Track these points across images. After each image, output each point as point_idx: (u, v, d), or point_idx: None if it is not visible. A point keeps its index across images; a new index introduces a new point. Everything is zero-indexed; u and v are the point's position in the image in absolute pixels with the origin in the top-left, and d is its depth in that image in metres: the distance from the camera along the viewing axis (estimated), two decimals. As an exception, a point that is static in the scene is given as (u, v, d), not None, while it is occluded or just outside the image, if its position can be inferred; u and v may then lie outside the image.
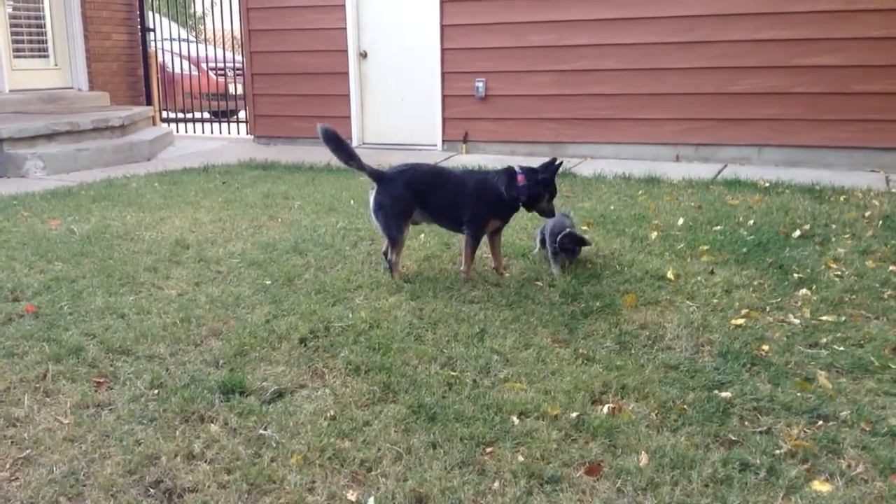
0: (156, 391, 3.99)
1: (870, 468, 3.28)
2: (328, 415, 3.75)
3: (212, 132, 15.99)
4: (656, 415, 3.76)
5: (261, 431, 3.61)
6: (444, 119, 12.03)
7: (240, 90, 16.70)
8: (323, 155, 11.54)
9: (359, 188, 9.06)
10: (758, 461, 3.33)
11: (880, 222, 6.70)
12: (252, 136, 13.94)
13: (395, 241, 5.50)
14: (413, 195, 5.42)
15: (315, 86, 12.80)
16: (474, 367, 4.26)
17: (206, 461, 3.37)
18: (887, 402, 3.82)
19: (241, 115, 16.59)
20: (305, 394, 4.00)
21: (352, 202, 8.28)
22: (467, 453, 3.43)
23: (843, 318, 4.77)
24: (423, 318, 4.91)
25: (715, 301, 5.11)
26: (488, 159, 10.58)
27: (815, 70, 9.79)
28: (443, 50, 11.80)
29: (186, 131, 16.24)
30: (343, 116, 12.66)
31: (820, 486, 3.17)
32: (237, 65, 17.21)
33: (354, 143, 12.64)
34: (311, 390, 4.04)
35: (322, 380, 4.16)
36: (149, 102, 15.53)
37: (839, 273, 5.55)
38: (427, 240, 6.65)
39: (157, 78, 15.99)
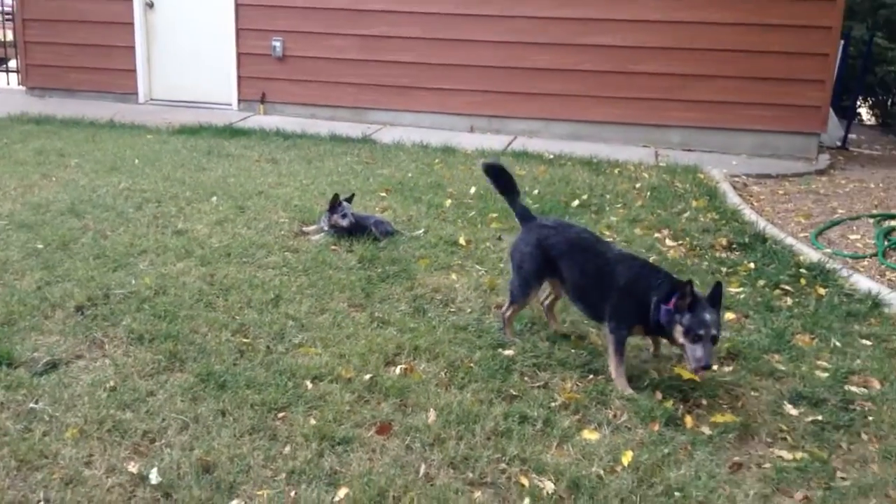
0: None
1: (633, 417, 3.63)
2: (108, 386, 3.56)
3: (-26, 80, 14.32)
4: (445, 373, 3.92)
5: (31, 405, 3.36)
6: (239, 78, 11.57)
7: (10, 37, 15.07)
8: (106, 110, 10.77)
9: (145, 147, 8.55)
10: (535, 413, 3.57)
11: (649, 193, 7.33)
12: (24, 88, 12.67)
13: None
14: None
15: (96, 35, 11.82)
16: (268, 334, 4.21)
17: (-34, 440, 3.10)
18: (648, 356, 4.22)
19: (12, 64, 15.00)
20: (83, 364, 3.77)
21: (136, 161, 7.79)
22: (258, 419, 3.40)
23: (614, 282, 5.19)
24: (214, 285, 4.76)
25: (502, 265, 5.37)
26: (287, 122, 10.37)
27: (597, 49, 10.42)
28: (237, 5, 11.32)
29: (-57, 77, 14.44)
30: (128, 70, 11.82)
31: (589, 435, 3.46)
32: (6, 8, 15.51)
33: (141, 100, 11.88)
34: (89, 361, 3.81)
35: (101, 349, 3.93)
36: None
37: (611, 239, 6.01)
38: (220, 203, 6.42)
39: None
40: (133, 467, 3.01)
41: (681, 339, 3.67)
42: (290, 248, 5.50)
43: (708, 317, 3.60)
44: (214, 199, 6.51)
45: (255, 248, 5.39)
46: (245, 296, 4.62)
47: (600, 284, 3.99)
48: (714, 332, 3.61)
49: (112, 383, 3.58)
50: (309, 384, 3.74)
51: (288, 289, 4.77)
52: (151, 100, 12.04)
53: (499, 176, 4.50)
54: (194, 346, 3.98)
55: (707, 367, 3.63)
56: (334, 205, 5.77)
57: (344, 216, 5.73)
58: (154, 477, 2.96)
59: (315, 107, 11.35)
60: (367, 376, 3.82)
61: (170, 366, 3.80)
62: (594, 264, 4.03)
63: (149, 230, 5.65)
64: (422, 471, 3.16)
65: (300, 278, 4.95)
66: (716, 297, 3.73)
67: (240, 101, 11.69)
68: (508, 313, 4.38)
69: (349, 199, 5.91)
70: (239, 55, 11.50)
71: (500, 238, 5.93)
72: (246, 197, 6.62)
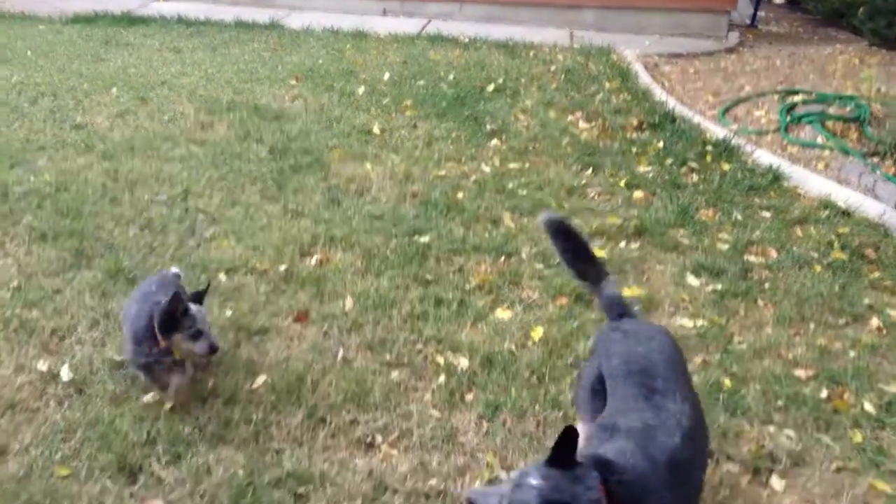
0: None
1: (543, 294, 3.74)
2: (11, 286, 3.47)
3: None
4: (362, 262, 3.94)
5: (-70, 310, 3.25)
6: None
7: None
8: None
9: (37, 37, 8.01)
10: (450, 296, 3.65)
11: (563, 76, 7.32)
12: None
13: None
14: None
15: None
16: (178, 228, 4.12)
17: None
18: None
19: None
20: (-17, 265, 3.66)
21: (29, 53, 7.32)
22: (171, 313, 3.37)
23: (528, 165, 5.24)
24: (119, 180, 4.60)
25: (417, 153, 5.34)
26: (189, 8, 9.82)
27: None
28: None
29: None
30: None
31: (502, 313, 3.57)
32: None
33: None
34: (-10, 261, 3.70)
35: (2, 249, 3.80)
36: None
37: (526, 124, 6.03)
38: (120, 94, 6.13)
39: None
40: (43, 365, 2.98)
41: None
42: (196, 140, 5.33)
43: None
44: (114, 90, 6.21)
45: (160, 141, 5.20)
46: (151, 190, 4.49)
47: None
48: None
49: (16, 283, 3.49)
50: (223, 277, 3.71)
51: (197, 182, 4.65)
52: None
53: (567, 239, 2.75)
54: (101, 243, 3.88)
55: None
56: (173, 315, 2.76)
57: (198, 335, 2.79)
58: (65, 373, 2.93)
59: (219, -9, 10.75)
60: (283, 267, 3.81)
61: (76, 263, 3.71)
62: (634, 398, 2.30)
63: (46, 125, 5.38)
64: (340, 355, 3.22)
65: (209, 171, 4.82)
66: None
67: (137, -15, 10.97)
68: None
69: (199, 297, 2.92)
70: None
71: (415, 126, 5.86)
72: (148, 88, 6.34)
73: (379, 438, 2.80)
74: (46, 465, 2.56)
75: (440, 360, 3.20)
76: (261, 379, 3.03)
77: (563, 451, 1.91)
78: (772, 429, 2.92)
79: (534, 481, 1.89)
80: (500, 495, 1.92)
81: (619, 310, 2.68)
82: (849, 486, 2.66)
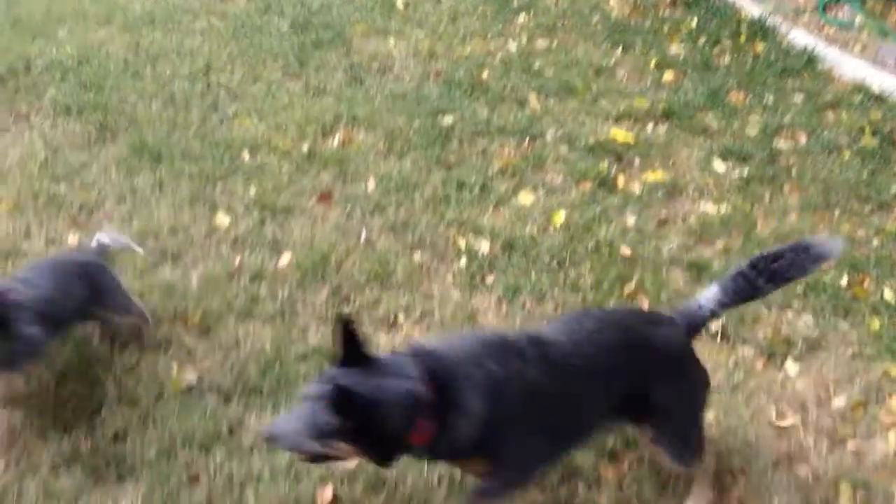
0: None
1: (567, 178, 3.71)
2: (39, 159, 3.49)
3: None
4: (384, 143, 3.91)
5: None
6: None
7: None
8: None
9: None
10: (473, 179, 3.63)
11: (594, -51, 6.98)
12: None
13: None
14: None
15: None
16: (200, 104, 4.09)
17: None
18: (586, 120, 4.22)
19: None
20: (9, 139, 3.67)
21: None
22: (197, 191, 3.40)
23: (555, 43, 5.07)
24: (140, 54, 4.53)
25: (441, 29, 5.18)
26: None
27: None
28: None
29: None
30: None
31: (524, 197, 3.56)
32: None
33: None
34: (16, 134, 3.71)
35: (27, 122, 3.81)
36: None
37: (555, 3, 5.79)
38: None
39: None
40: (73, 239, 3.04)
41: None
42: (217, 12, 5.19)
43: None
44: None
45: (180, 14, 5.07)
46: (173, 64, 4.43)
47: None
48: None
49: (43, 156, 3.51)
50: (246, 155, 3.71)
51: (218, 57, 4.57)
52: None
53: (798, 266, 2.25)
54: (125, 117, 3.87)
55: None
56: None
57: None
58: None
59: None
60: (305, 147, 3.80)
61: (101, 137, 3.72)
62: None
63: (64, -6, 5.26)
64: (363, 236, 3.25)
65: (230, 45, 4.73)
66: None
67: None
68: None
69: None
70: None
71: (439, 0, 5.66)
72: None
73: (401, 317, 2.87)
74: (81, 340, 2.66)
75: (461, 243, 3.23)
76: (286, 257, 3.08)
77: (352, 347, 1.77)
78: (790, 314, 2.95)
79: (316, 389, 1.75)
80: (297, 419, 1.80)
81: (688, 319, 2.21)
82: (863, 371, 2.72)
